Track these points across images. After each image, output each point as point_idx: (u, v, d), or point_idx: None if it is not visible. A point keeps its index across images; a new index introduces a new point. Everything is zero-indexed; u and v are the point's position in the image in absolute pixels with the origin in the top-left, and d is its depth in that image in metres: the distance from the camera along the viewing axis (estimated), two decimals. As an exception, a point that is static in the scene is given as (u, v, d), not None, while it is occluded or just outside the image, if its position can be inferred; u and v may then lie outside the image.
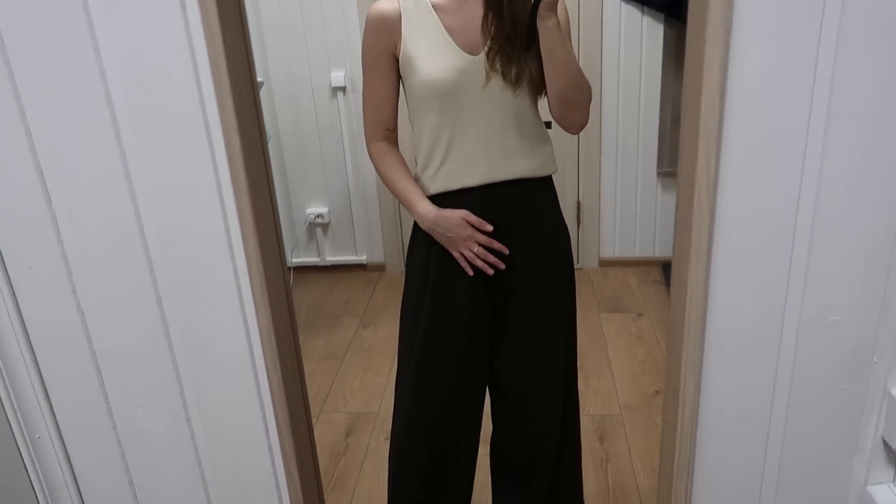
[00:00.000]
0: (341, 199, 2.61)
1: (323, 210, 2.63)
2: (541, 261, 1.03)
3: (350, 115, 2.47)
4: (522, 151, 0.99)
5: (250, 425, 0.76)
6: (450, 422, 1.08)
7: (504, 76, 0.93)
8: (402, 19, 0.97)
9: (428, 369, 1.02)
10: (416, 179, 1.01)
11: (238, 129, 0.58)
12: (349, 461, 1.78)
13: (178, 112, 0.62)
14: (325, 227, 2.65)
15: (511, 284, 1.02)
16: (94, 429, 0.78)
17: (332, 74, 2.39)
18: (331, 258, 2.65)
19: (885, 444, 0.71)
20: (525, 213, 1.01)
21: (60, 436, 0.78)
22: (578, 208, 2.52)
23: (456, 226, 0.96)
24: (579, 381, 1.90)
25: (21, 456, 0.77)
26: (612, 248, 2.58)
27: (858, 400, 0.70)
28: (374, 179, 2.51)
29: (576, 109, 0.95)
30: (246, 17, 0.65)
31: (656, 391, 1.95)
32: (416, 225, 1.01)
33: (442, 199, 0.98)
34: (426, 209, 0.97)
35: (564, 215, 1.10)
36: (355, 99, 2.43)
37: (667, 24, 2.23)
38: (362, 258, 2.68)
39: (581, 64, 1.03)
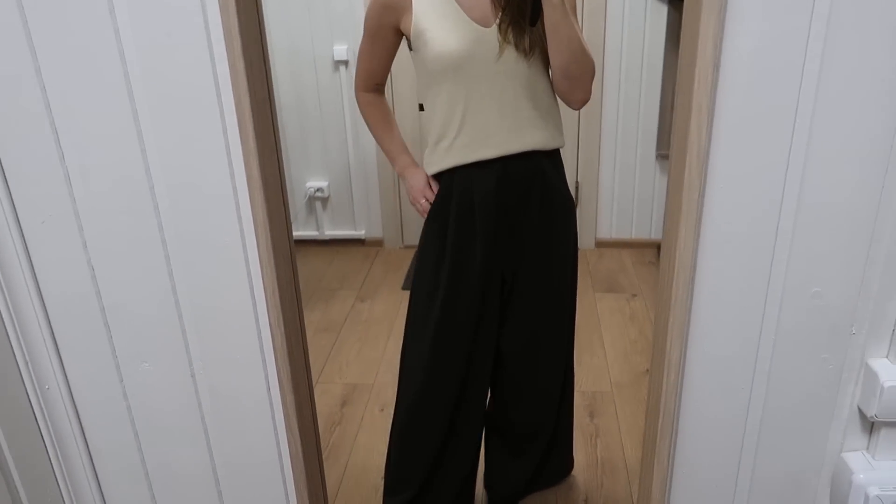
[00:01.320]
0: (341, 174, 2.63)
1: (322, 184, 2.64)
2: (552, 234, 1.06)
3: (352, 88, 2.48)
4: (535, 122, 1.00)
5: (253, 382, 0.79)
6: (460, 394, 1.11)
7: (517, 47, 0.95)
8: None
9: (445, 341, 1.05)
10: (428, 155, 1.04)
11: (248, 91, 0.60)
12: (344, 431, 1.82)
13: (189, 73, 0.64)
14: (324, 201, 2.67)
15: (522, 256, 1.05)
16: (102, 382, 0.81)
17: (334, 48, 2.40)
18: (329, 232, 2.68)
19: (861, 412, 0.75)
20: (539, 187, 1.03)
21: (69, 387, 0.81)
22: (577, 188, 2.54)
23: (413, 189, 1.05)
24: (574, 360, 1.95)
25: (31, 406, 0.80)
26: (609, 229, 2.61)
27: (837, 370, 0.73)
28: (374, 154, 2.53)
29: (578, 85, 0.97)
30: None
31: (647, 370, 1.99)
32: (434, 203, 1.03)
33: (456, 174, 1.00)
34: (403, 164, 1.06)
35: None
36: (357, 73, 2.44)
37: (670, 7, 2.23)
38: (361, 233, 2.71)
39: (585, 33, 1.04)
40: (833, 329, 0.71)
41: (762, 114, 0.63)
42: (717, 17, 0.57)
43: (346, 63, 2.48)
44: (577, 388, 1.91)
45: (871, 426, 0.75)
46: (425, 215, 1.04)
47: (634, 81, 2.41)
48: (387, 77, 1.08)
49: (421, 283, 1.07)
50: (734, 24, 0.59)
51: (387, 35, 1.03)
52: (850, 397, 0.74)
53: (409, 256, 2.67)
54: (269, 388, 0.80)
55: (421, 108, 2.34)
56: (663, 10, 2.28)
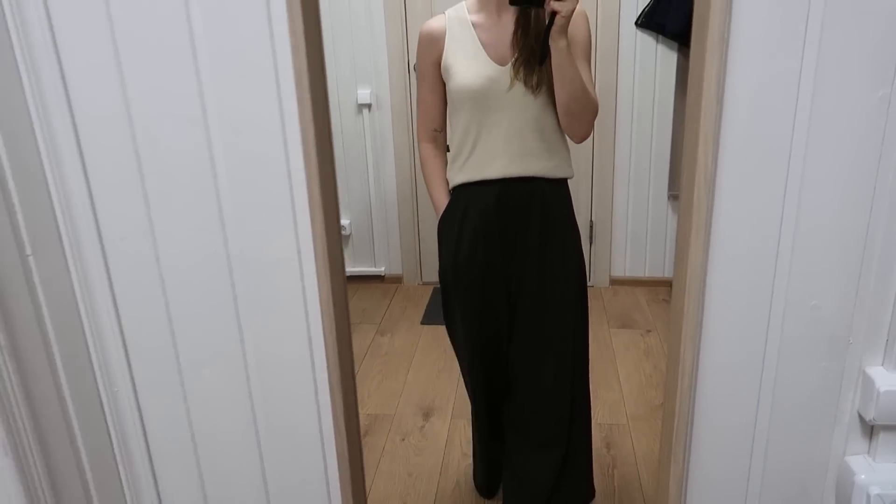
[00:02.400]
0: (362, 213, 2.75)
1: (345, 222, 2.76)
2: (551, 254, 1.21)
3: (374, 131, 2.62)
4: (539, 153, 1.17)
5: (302, 386, 0.88)
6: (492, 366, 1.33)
7: (526, 83, 1.13)
8: (447, 34, 1.15)
9: (466, 331, 1.28)
10: (448, 171, 1.24)
11: (307, 66, 0.70)
12: (366, 460, 1.88)
13: (250, 44, 0.74)
14: (346, 238, 2.78)
15: (523, 272, 1.21)
16: (165, 386, 0.90)
17: (358, 91, 2.55)
18: (350, 269, 2.78)
19: (861, 418, 0.82)
20: (538, 208, 1.19)
21: (135, 390, 0.90)
22: (591, 228, 2.64)
23: None
24: (590, 392, 2.04)
25: (102, 406, 0.89)
26: (623, 267, 2.70)
27: (837, 377, 0.81)
28: (394, 195, 2.65)
29: (578, 121, 1.13)
30: None
31: (661, 403, 2.05)
32: (445, 211, 1.23)
33: (465, 188, 1.19)
34: (439, 205, 1.25)
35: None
36: (380, 116, 2.58)
37: (680, 52, 2.37)
38: (381, 270, 2.81)
39: (597, 88, 1.21)
40: (831, 339, 0.80)
41: (761, 143, 0.72)
42: (720, 59, 0.67)
43: (368, 106, 2.63)
44: (593, 419, 1.97)
45: (870, 430, 0.83)
46: None
47: (646, 124, 2.53)
48: (443, 122, 1.26)
49: (440, 282, 1.27)
50: (734, 65, 0.70)
51: (433, 72, 1.20)
52: (851, 403, 0.82)
53: (427, 292, 2.76)
54: (316, 391, 0.88)
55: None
56: (673, 56, 2.42)
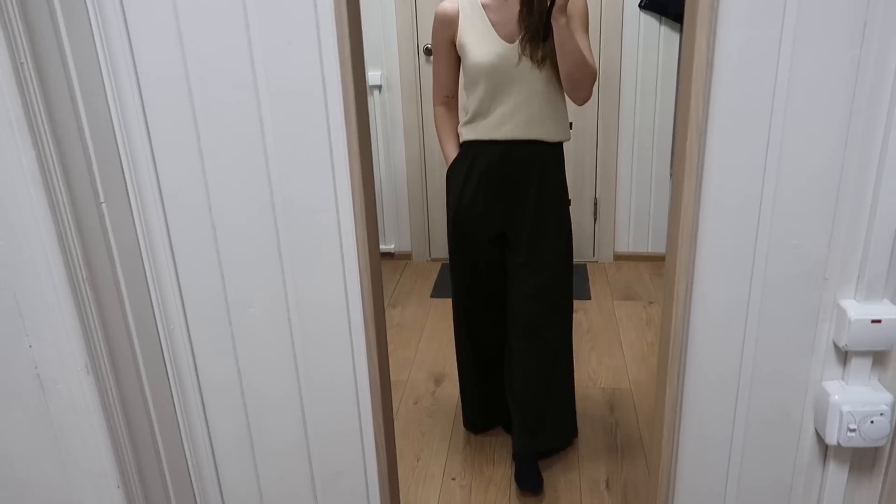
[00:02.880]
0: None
1: (356, 200, 2.86)
2: (546, 208, 1.43)
3: (384, 113, 2.72)
4: (543, 119, 1.36)
5: (337, 323, 0.99)
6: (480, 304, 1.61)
7: (532, 58, 1.29)
8: (460, 15, 1.29)
9: (459, 260, 1.56)
10: (460, 127, 1.44)
11: (349, 33, 0.81)
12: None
13: (297, 14, 0.84)
14: (357, 215, 2.87)
15: (521, 218, 1.44)
16: (214, 323, 1.02)
17: (369, 73, 2.65)
18: (362, 245, 2.88)
19: (836, 346, 0.94)
20: (538, 167, 1.40)
21: (188, 329, 1.02)
22: (595, 205, 2.75)
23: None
24: (594, 360, 2.19)
25: (160, 340, 1.00)
26: (627, 243, 2.81)
27: (814, 309, 0.92)
28: (404, 174, 2.76)
29: (580, 87, 1.32)
30: None
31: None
32: (455, 161, 1.46)
33: (476, 144, 1.40)
34: (450, 156, 1.46)
35: (582, 212, 1.68)
36: (390, 97, 2.69)
37: (682, 35, 2.46)
38: (391, 247, 2.92)
39: (601, 70, 1.45)
40: (809, 275, 0.91)
41: (747, 100, 0.83)
42: (709, 25, 0.78)
43: (378, 88, 2.72)
44: (597, 385, 2.09)
45: (844, 357, 0.94)
46: None
47: (649, 104, 2.63)
48: (456, 90, 1.47)
49: (447, 223, 1.53)
50: (723, 30, 0.80)
51: (447, 49, 1.35)
52: (827, 334, 0.93)
53: (435, 268, 2.87)
54: (350, 330, 1.00)
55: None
56: (676, 37, 2.52)
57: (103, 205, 0.89)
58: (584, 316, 2.49)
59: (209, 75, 0.88)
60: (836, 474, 0.99)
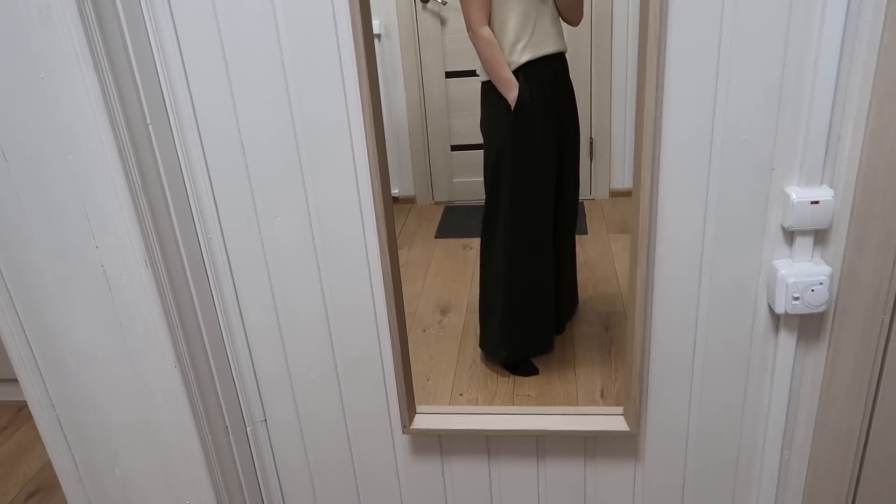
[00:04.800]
0: (376, 139, 3.00)
1: (360, 147, 3.01)
2: (574, 112, 1.75)
3: (384, 60, 2.86)
4: (561, 32, 1.58)
5: (353, 225, 1.17)
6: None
7: None
8: None
9: (545, 181, 1.74)
10: (509, 55, 1.56)
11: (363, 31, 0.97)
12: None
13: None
14: (362, 162, 3.03)
15: (570, 125, 1.71)
16: (246, 232, 1.19)
17: (368, 23, 2.77)
18: (367, 191, 3.05)
19: (784, 229, 1.11)
20: (568, 77, 1.65)
21: (223, 238, 1.20)
22: (591, 144, 2.89)
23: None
24: (590, 288, 2.40)
25: (201, 251, 1.18)
26: (622, 180, 2.96)
27: (764, 197, 1.09)
28: (405, 121, 2.90)
29: (573, 11, 1.55)
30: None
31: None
32: (521, 92, 1.59)
33: (532, 64, 1.55)
34: (517, 87, 1.57)
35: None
36: (389, 46, 2.82)
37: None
38: (395, 192, 3.08)
39: (593, 12, 1.65)
40: (758, 166, 1.07)
41: (700, 11, 0.99)
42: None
43: (378, 36, 2.85)
44: (594, 309, 2.28)
45: (791, 238, 1.11)
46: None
47: (639, 42, 2.74)
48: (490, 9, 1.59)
49: (519, 146, 1.67)
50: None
51: None
52: (775, 218, 1.10)
53: (439, 211, 3.04)
54: (364, 237, 1.18)
55: (447, 75, 2.71)
56: (662, -25, 2.62)
57: (150, 126, 1.06)
58: (582, 249, 2.66)
59: (234, 7, 1.04)
60: (787, 341, 1.17)
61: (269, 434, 1.38)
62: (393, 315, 1.20)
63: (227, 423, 1.27)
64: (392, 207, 1.18)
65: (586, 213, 2.91)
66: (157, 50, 1.07)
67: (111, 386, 1.17)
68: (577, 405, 1.84)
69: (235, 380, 1.29)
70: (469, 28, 1.57)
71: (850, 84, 1.01)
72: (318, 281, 1.22)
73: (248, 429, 1.35)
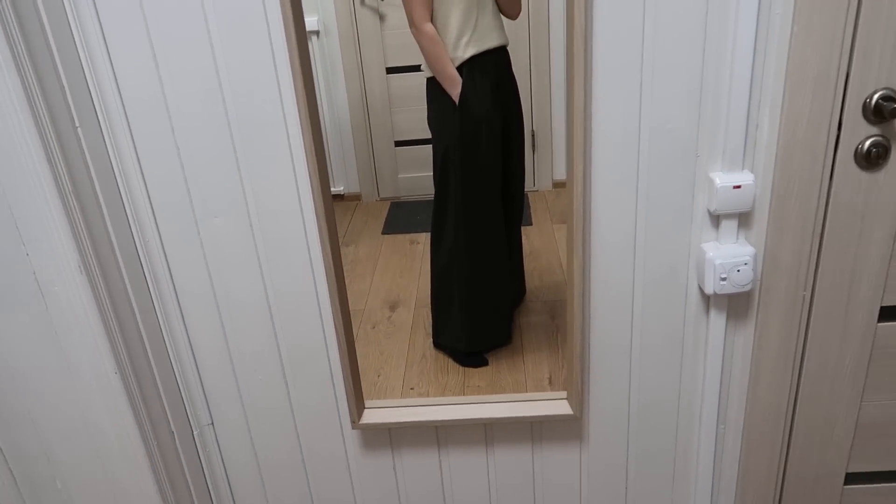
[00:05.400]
0: (319, 136, 2.99)
1: (302, 146, 2.99)
2: (518, 103, 1.74)
3: (324, 56, 2.84)
4: (502, 26, 1.60)
5: (293, 222, 1.17)
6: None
7: None
8: None
9: (491, 166, 1.75)
10: (453, 51, 1.59)
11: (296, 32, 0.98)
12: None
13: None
14: (305, 160, 3.01)
15: (512, 118, 1.72)
16: (185, 234, 1.18)
17: (306, 20, 2.75)
18: (312, 189, 3.03)
19: (709, 212, 1.16)
20: (511, 70, 1.67)
21: (161, 239, 1.19)
22: (533, 136, 2.95)
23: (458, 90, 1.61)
24: (536, 277, 2.45)
25: (138, 254, 1.17)
26: (564, 171, 3.02)
27: (690, 183, 1.14)
28: (348, 118, 2.89)
29: (513, 5, 1.59)
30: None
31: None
32: (464, 87, 1.61)
33: (475, 58, 1.57)
34: (458, 80, 1.60)
35: None
36: (328, 43, 2.81)
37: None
38: (340, 189, 3.07)
39: (531, 4, 1.65)
40: (684, 153, 1.12)
41: (623, 5, 1.03)
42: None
43: (317, 33, 2.83)
44: (539, 298, 2.32)
45: (717, 221, 1.17)
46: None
47: (576, 35, 2.79)
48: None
49: (467, 140, 1.70)
50: (595, -52, 0.99)
51: None
52: (702, 203, 1.16)
53: (385, 207, 3.05)
54: (306, 236, 1.18)
55: (388, 70, 2.72)
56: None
57: (78, 129, 1.04)
58: (527, 240, 2.71)
59: (162, 9, 1.03)
60: (717, 320, 1.23)
61: (216, 436, 1.37)
62: (338, 312, 1.21)
63: (173, 428, 1.25)
64: (332, 204, 1.19)
65: (530, 204, 2.96)
66: (83, 50, 1.05)
67: (49, 397, 1.14)
68: (527, 393, 1.89)
69: (180, 383, 1.28)
70: (412, 24, 1.59)
71: (765, 74, 1.07)
72: (260, 280, 1.22)
73: (194, 432, 1.33)
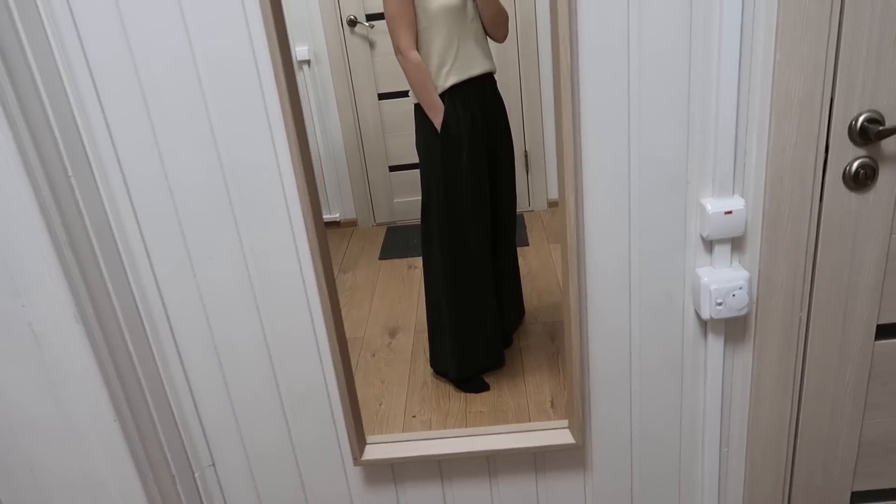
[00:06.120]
0: (314, 164, 3.00)
1: (297, 174, 3.00)
2: (507, 129, 1.77)
3: (316, 85, 2.87)
4: (489, 53, 1.63)
5: (288, 262, 1.18)
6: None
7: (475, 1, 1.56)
8: None
9: (478, 195, 1.78)
10: (434, 78, 1.61)
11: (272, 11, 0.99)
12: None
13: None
14: (300, 189, 3.02)
15: (499, 143, 1.73)
16: (181, 275, 1.19)
17: (297, 49, 2.78)
18: (307, 217, 3.04)
19: (702, 238, 1.17)
20: (498, 96, 1.69)
21: (157, 283, 1.19)
22: (526, 157, 2.96)
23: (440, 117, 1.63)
24: (535, 299, 2.46)
25: (135, 300, 1.17)
26: (558, 190, 3.03)
27: (682, 209, 1.15)
28: (342, 145, 2.91)
29: (502, 28, 1.61)
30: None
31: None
32: (446, 114, 1.63)
33: (457, 87, 1.59)
34: (440, 106, 1.62)
35: (514, 165, 1.89)
36: (320, 71, 2.83)
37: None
38: (336, 216, 3.09)
39: (517, 26, 1.88)
40: (674, 181, 1.13)
41: (607, 38, 1.04)
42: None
43: (308, 62, 2.86)
44: (538, 319, 2.33)
45: (710, 246, 1.17)
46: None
47: (565, 56, 2.82)
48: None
49: (449, 168, 1.73)
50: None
51: None
52: (694, 228, 1.17)
53: (381, 232, 3.06)
54: (302, 274, 1.19)
55: (379, 97, 2.75)
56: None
57: (72, 178, 1.05)
58: (524, 261, 2.72)
59: (153, 54, 1.05)
60: (715, 344, 1.23)
61: (218, 477, 1.36)
62: (336, 349, 1.21)
63: (174, 472, 1.25)
64: (327, 242, 1.19)
65: (526, 224, 2.97)
66: (74, 101, 1.07)
67: (47, 446, 1.14)
68: (529, 417, 1.88)
69: (179, 426, 1.28)
70: (397, 52, 1.60)
71: (751, 101, 1.08)
72: (257, 319, 1.22)
73: (195, 474, 1.33)
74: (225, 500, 1.38)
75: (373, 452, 1.32)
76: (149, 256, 1.17)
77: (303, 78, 2.90)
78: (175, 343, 1.23)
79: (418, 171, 2.04)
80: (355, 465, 1.32)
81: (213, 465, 1.35)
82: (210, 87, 1.07)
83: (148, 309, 1.20)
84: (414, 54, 1.58)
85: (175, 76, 1.06)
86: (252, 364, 1.26)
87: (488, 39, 1.63)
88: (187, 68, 1.06)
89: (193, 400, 1.28)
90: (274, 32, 0.99)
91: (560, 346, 2.22)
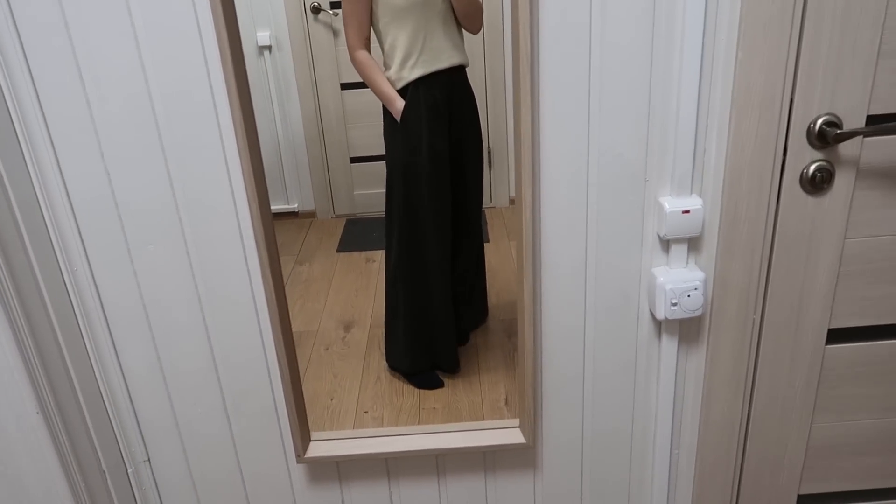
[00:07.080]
0: (272, 153, 2.93)
1: (255, 162, 2.92)
2: (475, 123, 1.72)
3: (277, 72, 2.79)
4: (459, 46, 1.59)
5: (232, 249, 1.12)
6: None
7: None
8: None
9: (438, 189, 1.73)
10: (397, 73, 1.58)
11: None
12: (295, 363, 2.14)
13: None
14: (257, 177, 2.94)
15: (464, 137, 1.69)
16: (117, 263, 1.12)
17: (257, 34, 2.70)
18: (265, 206, 2.96)
19: (659, 237, 1.15)
20: (467, 89, 1.66)
21: (91, 268, 1.12)
22: (489, 154, 2.93)
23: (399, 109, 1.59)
24: (493, 296, 2.42)
25: (65, 285, 1.10)
26: (520, 188, 3.02)
27: (639, 207, 1.13)
28: (302, 135, 2.84)
29: (473, 20, 1.57)
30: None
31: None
32: (406, 108, 1.60)
33: (423, 80, 1.56)
34: (400, 101, 1.59)
35: None
36: (281, 57, 2.75)
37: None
38: (294, 206, 3.01)
39: (487, 17, 1.70)
40: (633, 178, 1.11)
41: (569, 33, 1.01)
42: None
43: (269, 48, 2.78)
44: (497, 317, 2.30)
45: (666, 246, 1.15)
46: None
47: (530, 53, 2.80)
48: (370, 31, 1.61)
49: (407, 160, 1.70)
50: (540, -29, 0.97)
51: None
52: (652, 227, 1.14)
53: (340, 224, 2.99)
54: (247, 264, 1.13)
55: (342, 86, 2.68)
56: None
57: (-3, 153, 0.97)
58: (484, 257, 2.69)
59: (100, 56, 0.98)
60: (669, 345, 1.21)
61: (153, 474, 1.30)
62: (280, 341, 1.16)
63: (104, 467, 1.18)
64: (273, 230, 1.14)
65: (487, 221, 2.94)
66: (22, 133, 0.99)
67: (-35, 438, 1.06)
68: (483, 415, 1.85)
69: (112, 420, 1.21)
70: (348, 48, 1.64)
71: (711, 99, 1.06)
72: (199, 309, 1.16)
73: (129, 470, 1.26)
74: (160, 497, 1.32)
75: (317, 449, 1.27)
76: (82, 240, 1.10)
77: (263, 64, 2.82)
78: (109, 333, 1.17)
79: (380, 163, 2.00)
80: (298, 462, 1.27)
81: (149, 460, 1.28)
82: (151, 61, 1.00)
83: (80, 296, 1.13)
84: (360, 53, 1.62)
85: (111, 45, 0.99)
86: (192, 356, 1.20)
87: (463, 31, 1.60)
88: (127, 38, 0.99)
89: (128, 392, 1.21)
90: (219, 2, 0.93)
91: (517, 344, 2.19)
